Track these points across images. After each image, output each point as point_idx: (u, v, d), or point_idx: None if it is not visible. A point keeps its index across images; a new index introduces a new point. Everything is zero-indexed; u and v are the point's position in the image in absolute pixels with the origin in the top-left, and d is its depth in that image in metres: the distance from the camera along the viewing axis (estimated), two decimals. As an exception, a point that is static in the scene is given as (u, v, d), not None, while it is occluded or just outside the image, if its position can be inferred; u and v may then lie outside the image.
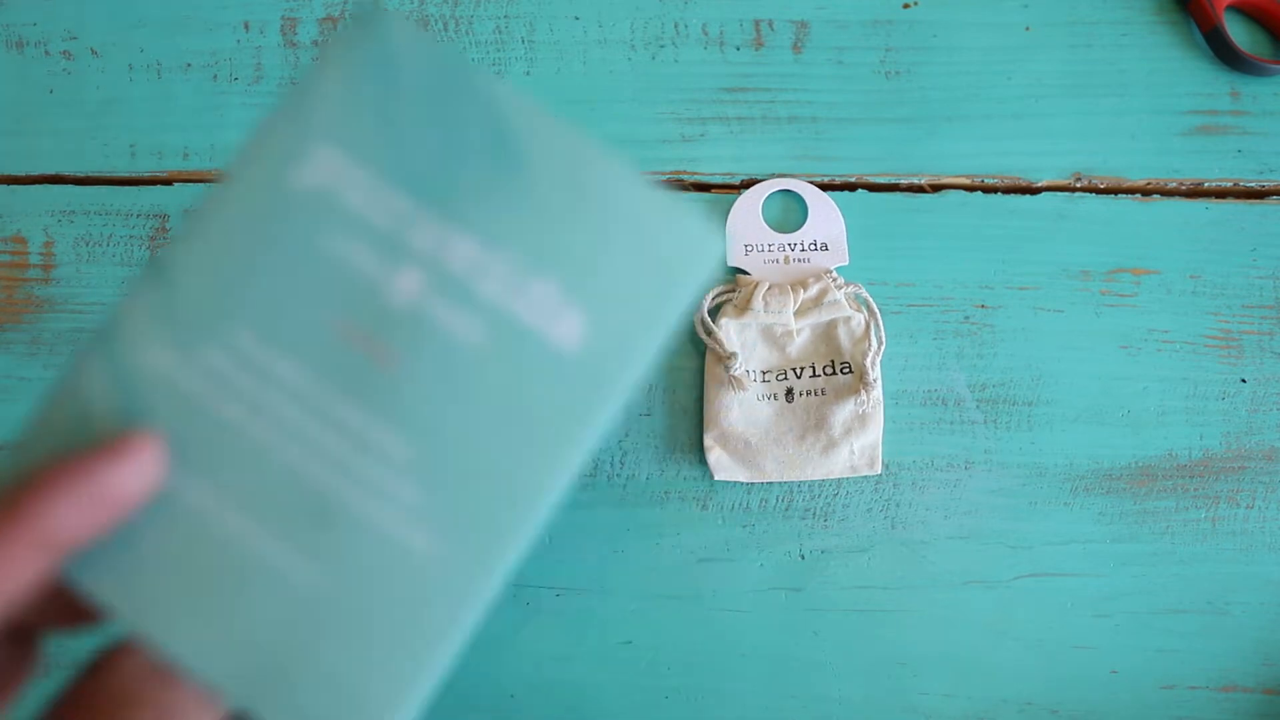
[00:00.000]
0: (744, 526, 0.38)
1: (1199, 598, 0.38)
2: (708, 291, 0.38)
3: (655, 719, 0.37)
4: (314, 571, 0.18)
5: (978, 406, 0.38)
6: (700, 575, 0.38)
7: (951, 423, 0.38)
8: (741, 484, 0.38)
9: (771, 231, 0.39)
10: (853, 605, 0.38)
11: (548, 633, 0.37)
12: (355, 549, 0.18)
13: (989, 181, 0.39)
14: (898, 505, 0.38)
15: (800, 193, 0.39)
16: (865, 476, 0.38)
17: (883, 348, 0.37)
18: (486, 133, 0.19)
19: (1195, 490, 0.38)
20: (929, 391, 0.38)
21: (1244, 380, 0.38)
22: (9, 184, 0.40)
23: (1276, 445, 0.38)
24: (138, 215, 0.39)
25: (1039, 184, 0.39)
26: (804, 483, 0.38)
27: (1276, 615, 0.38)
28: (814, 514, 0.38)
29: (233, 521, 0.18)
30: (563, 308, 0.20)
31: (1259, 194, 0.39)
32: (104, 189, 0.40)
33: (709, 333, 0.37)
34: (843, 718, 0.37)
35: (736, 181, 0.39)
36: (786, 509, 0.38)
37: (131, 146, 0.40)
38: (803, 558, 0.38)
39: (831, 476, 0.37)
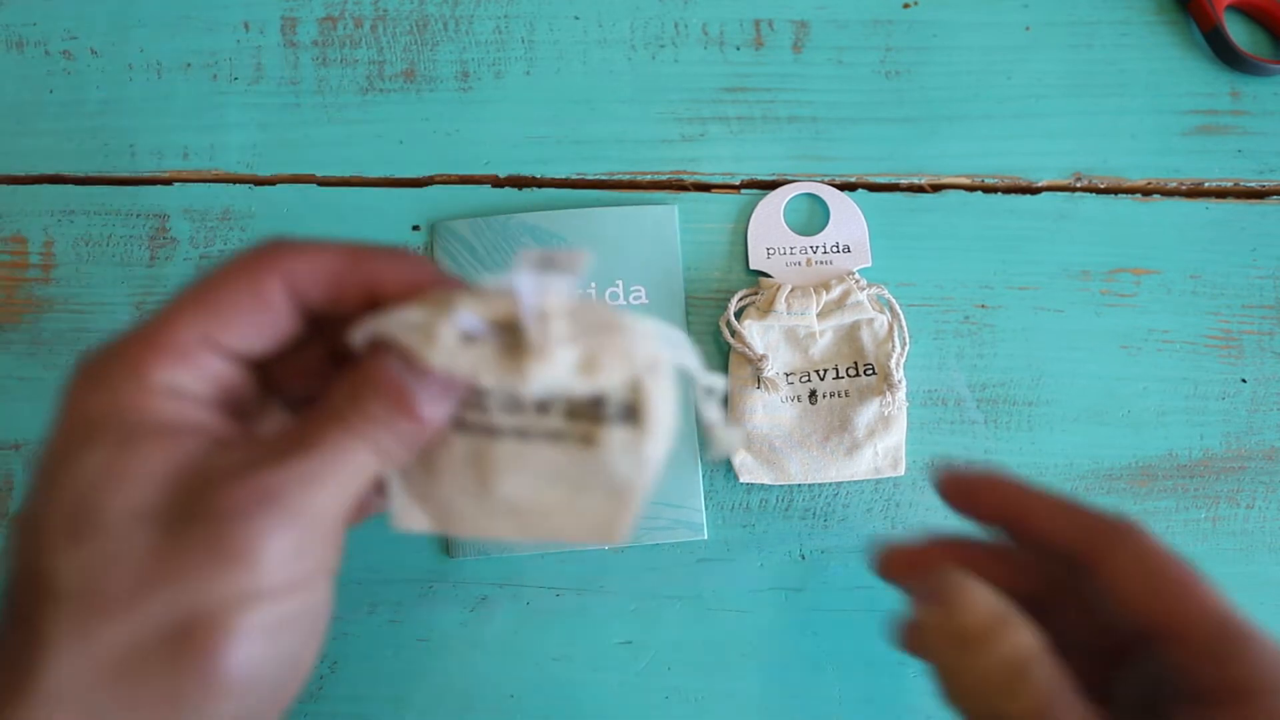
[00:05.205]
0: (744, 526, 0.38)
1: (1199, 598, 0.38)
2: (733, 295, 0.38)
3: (655, 719, 0.37)
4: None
5: (978, 406, 0.38)
6: (700, 575, 0.38)
7: (951, 423, 0.38)
8: (741, 484, 0.38)
9: (793, 234, 0.39)
10: (853, 605, 0.38)
11: (547, 633, 0.37)
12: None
13: (989, 181, 0.39)
14: (898, 505, 0.38)
15: (822, 196, 0.39)
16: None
17: (906, 349, 0.37)
18: (532, 236, 0.38)
19: (1195, 490, 0.38)
20: (929, 391, 0.38)
21: (1244, 380, 0.38)
22: (9, 184, 0.40)
23: (1277, 445, 0.38)
24: (137, 215, 0.39)
25: (1039, 184, 0.39)
26: (804, 483, 0.38)
27: (1277, 615, 0.38)
28: (814, 514, 0.38)
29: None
30: (634, 287, 0.38)
31: (1259, 194, 0.39)
32: (104, 189, 0.40)
33: (734, 335, 0.37)
34: (843, 718, 0.37)
35: (736, 182, 0.39)
36: (786, 509, 0.38)
37: (131, 146, 0.40)
38: (803, 558, 0.38)
39: (855, 478, 0.37)
